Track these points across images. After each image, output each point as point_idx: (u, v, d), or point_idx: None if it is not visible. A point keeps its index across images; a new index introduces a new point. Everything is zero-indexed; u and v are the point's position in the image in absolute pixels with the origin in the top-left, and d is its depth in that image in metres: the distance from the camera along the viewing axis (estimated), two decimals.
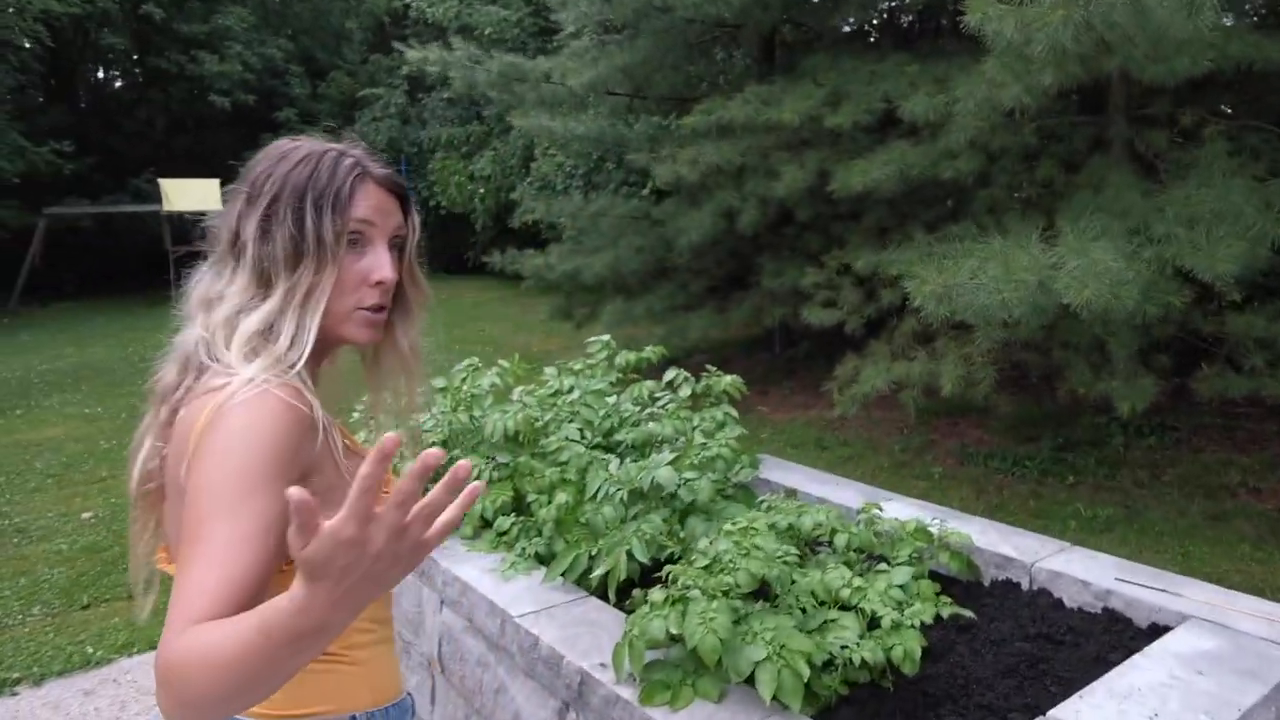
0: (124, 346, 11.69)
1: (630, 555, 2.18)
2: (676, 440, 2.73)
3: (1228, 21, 4.30)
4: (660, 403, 3.19)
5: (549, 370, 3.38)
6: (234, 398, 0.96)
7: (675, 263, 7.65)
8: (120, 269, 19.75)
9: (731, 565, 1.83)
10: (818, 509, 2.35)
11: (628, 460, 2.60)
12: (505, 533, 2.52)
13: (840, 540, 2.28)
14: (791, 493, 2.98)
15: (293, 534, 0.70)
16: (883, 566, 2.25)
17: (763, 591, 1.96)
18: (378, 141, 20.10)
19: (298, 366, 1.03)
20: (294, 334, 1.04)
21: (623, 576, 2.18)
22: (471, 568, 2.44)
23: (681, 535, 2.28)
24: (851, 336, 5.73)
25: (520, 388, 3.42)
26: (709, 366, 3.25)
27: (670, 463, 2.28)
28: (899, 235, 5.71)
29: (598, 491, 2.26)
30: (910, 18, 8.76)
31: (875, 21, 9.53)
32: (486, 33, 15.03)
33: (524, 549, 2.43)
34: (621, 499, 2.38)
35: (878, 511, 2.54)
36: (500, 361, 3.31)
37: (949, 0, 5.76)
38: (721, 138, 6.01)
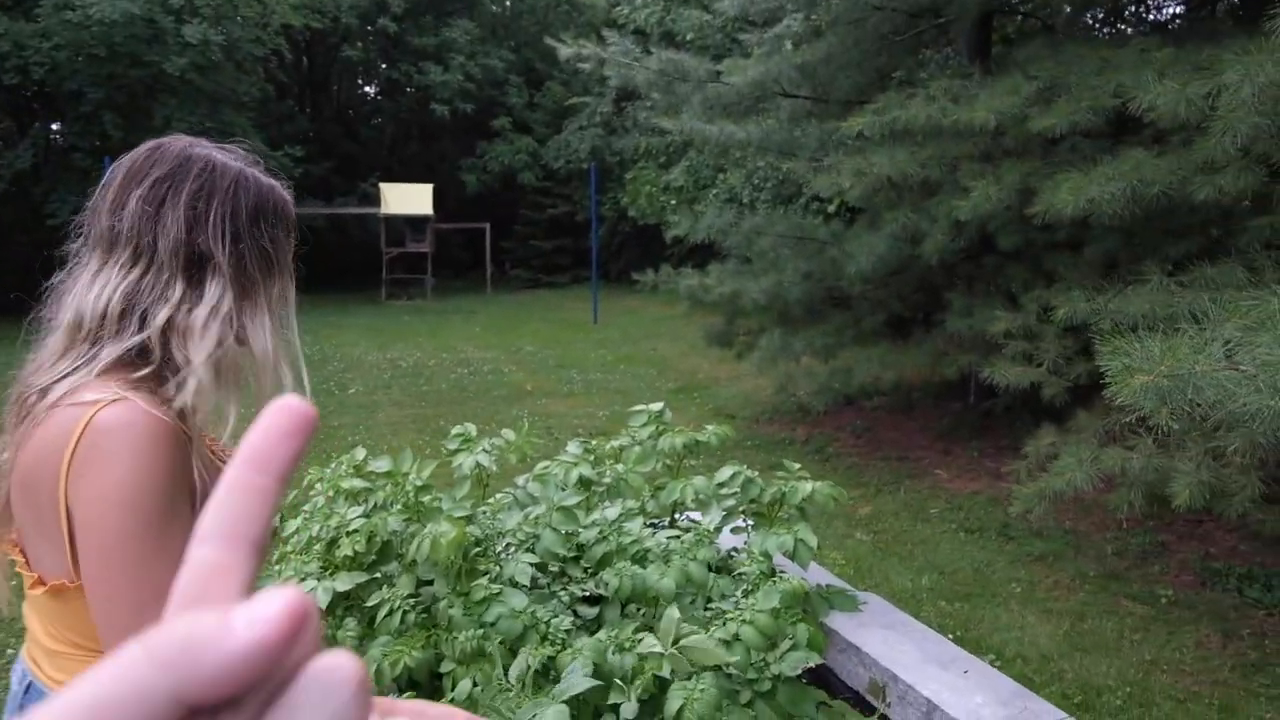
0: (322, 342, 12.07)
1: None
2: (685, 597, 1.76)
3: None
4: (714, 513, 2.22)
5: (570, 448, 2.49)
6: (120, 417, 0.98)
7: (849, 292, 6.50)
8: (346, 266, 21.10)
9: None
10: None
11: (596, 630, 1.67)
12: None
13: None
14: (879, 689, 1.91)
15: None
16: None
17: None
18: (580, 150, 20.07)
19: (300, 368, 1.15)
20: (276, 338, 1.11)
21: None
22: None
23: None
24: (1053, 404, 4.39)
25: (548, 463, 2.56)
26: (800, 444, 2.24)
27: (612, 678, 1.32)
28: (1132, 273, 4.30)
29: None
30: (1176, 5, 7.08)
31: (1130, 12, 7.85)
32: (688, 38, 14.36)
33: None
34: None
35: None
36: (504, 432, 2.47)
37: None
38: (898, 144, 4.85)
